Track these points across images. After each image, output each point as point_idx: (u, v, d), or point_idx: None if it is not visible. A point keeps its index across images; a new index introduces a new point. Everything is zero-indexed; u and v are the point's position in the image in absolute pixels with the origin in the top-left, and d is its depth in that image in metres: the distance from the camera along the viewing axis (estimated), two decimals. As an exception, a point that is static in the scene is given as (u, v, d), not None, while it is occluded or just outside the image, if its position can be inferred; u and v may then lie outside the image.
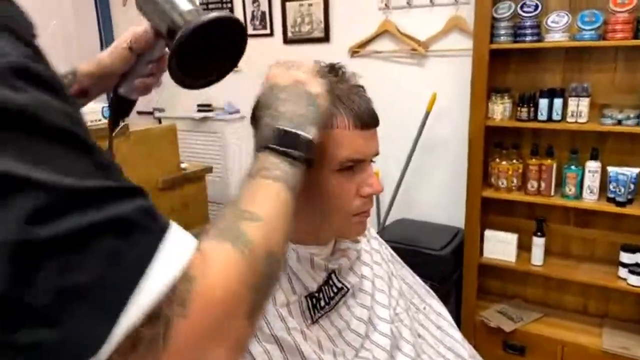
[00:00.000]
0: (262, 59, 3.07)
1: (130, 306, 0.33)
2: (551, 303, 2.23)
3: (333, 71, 0.73)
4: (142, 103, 3.54)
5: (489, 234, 2.15)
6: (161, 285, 0.35)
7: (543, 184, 1.97)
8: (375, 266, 0.89)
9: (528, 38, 1.87)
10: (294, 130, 0.57)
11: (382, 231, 2.37)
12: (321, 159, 0.68)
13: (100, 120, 1.88)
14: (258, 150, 0.57)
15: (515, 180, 2.05)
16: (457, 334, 0.99)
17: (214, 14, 0.59)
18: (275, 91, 0.62)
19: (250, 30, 2.77)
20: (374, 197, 2.49)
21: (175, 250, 0.37)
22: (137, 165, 1.98)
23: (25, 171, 0.32)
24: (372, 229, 0.96)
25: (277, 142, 0.56)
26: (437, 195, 2.44)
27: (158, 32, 0.68)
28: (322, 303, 0.76)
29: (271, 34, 2.70)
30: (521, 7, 1.87)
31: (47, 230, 0.32)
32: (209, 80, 0.66)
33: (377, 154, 0.75)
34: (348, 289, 0.80)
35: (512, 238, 2.12)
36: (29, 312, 0.32)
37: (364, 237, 0.91)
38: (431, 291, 1.03)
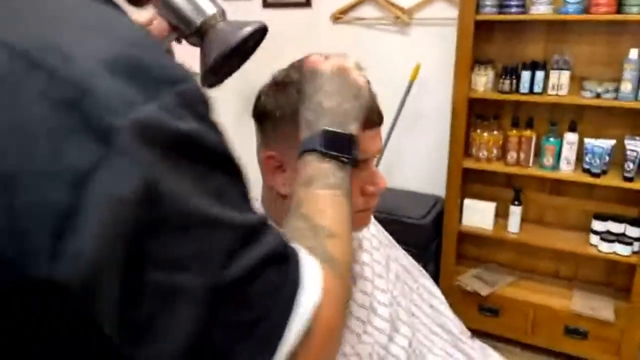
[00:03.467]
0: (242, 25, 2.94)
1: (287, 333, 0.35)
2: (524, 267, 2.33)
3: None
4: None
5: (468, 202, 2.21)
6: (309, 311, 0.37)
7: (522, 155, 2.02)
8: (374, 252, 0.91)
9: (513, 10, 1.86)
10: (342, 132, 0.56)
11: (364, 200, 2.41)
12: None
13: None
14: (304, 151, 0.56)
15: (495, 151, 2.10)
16: (449, 312, 1.04)
17: (249, 29, 0.61)
18: (318, 81, 0.59)
19: (228, -7, 2.67)
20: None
21: (313, 276, 0.39)
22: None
23: (216, 210, 0.33)
24: (370, 215, 0.98)
25: (327, 145, 0.54)
26: (419, 164, 2.47)
27: (175, 28, 0.65)
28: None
29: (250, -2, 2.61)
30: (507, -22, 1.85)
31: (232, 271, 0.33)
32: (222, 78, 0.65)
33: (380, 152, 0.75)
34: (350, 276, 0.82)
35: (490, 207, 2.19)
36: (209, 349, 0.33)
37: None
38: (423, 271, 1.07)
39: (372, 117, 0.69)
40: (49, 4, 0.34)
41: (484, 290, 2.22)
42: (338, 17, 2.42)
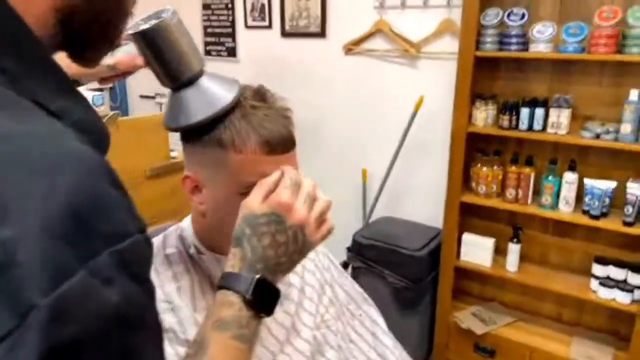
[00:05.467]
0: (259, 50, 3.11)
1: None
2: (527, 309, 2.26)
3: (258, 95, 0.75)
4: (145, 87, 3.59)
5: (466, 237, 2.18)
6: None
7: (521, 192, 1.99)
8: (307, 274, 0.94)
9: (513, 47, 1.87)
10: (274, 287, 0.59)
11: (365, 228, 2.42)
12: (233, 181, 0.71)
13: (91, 107, 1.95)
14: (228, 284, 0.58)
15: (494, 187, 2.07)
16: (389, 341, 1.04)
17: (232, 95, 0.71)
18: (264, 219, 0.61)
19: (249, 22, 2.80)
20: (361, 193, 2.50)
21: None
22: (126, 154, 2.05)
23: None
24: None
25: (255, 297, 0.57)
26: (421, 195, 2.47)
27: (152, 69, 0.71)
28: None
29: (269, 27, 2.73)
30: (508, 16, 1.86)
31: None
32: None
33: None
34: (272, 297, 0.85)
35: (489, 243, 2.15)
36: None
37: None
38: (369, 299, 1.08)
39: (272, 144, 0.71)
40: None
41: (480, 329, 2.17)
42: (350, 48, 2.48)
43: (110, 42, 0.48)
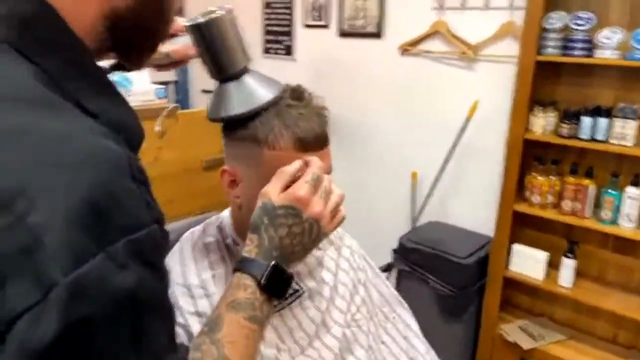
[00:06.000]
0: (316, 50, 3.14)
1: None
2: (579, 327, 2.15)
3: (295, 94, 0.77)
4: (207, 82, 3.71)
5: (518, 247, 2.11)
6: None
7: (578, 205, 1.89)
8: (341, 273, 0.95)
9: (577, 52, 1.78)
10: (287, 272, 0.62)
11: (412, 231, 2.39)
12: (267, 177, 0.74)
13: (152, 100, 2.05)
14: (245, 268, 0.61)
15: (550, 197, 1.99)
16: (421, 346, 1.03)
17: (272, 96, 0.74)
18: (283, 212, 0.63)
19: (308, 21, 2.84)
20: (410, 196, 2.47)
21: None
22: (183, 146, 2.14)
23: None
24: (346, 237, 1.01)
25: (269, 281, 0.60)
26: (472, 201, 2.40)
27: (202, 59, 0.75)
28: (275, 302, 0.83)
29: (327, 26, 2.75)
30: (573, 20, 1.78)
31: None
32: None
33: (327, 170, 0.79)
34: (303, 292, 0.87)
35: (542, 255, 2.06)
36: None
37: (332, 245, 0.97)
38: (404, 302, 1.07)
39: (306, 142, 0.73)
40: (31, 137, 0.36)
41: (527, 344, 2.08)
42: (406, 49, 2.46)
43: (152, 47, 0.52)
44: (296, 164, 0.67)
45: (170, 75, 3.48)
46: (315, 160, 0.68)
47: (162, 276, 0.40)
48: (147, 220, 0.38)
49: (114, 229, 0.35)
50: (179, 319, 0.77)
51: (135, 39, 0.49)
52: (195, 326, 0.76)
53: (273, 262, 0.61)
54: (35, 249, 0.32)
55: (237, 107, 0.74)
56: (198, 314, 0.77)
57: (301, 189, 0.63)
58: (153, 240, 0.38)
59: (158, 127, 1.99)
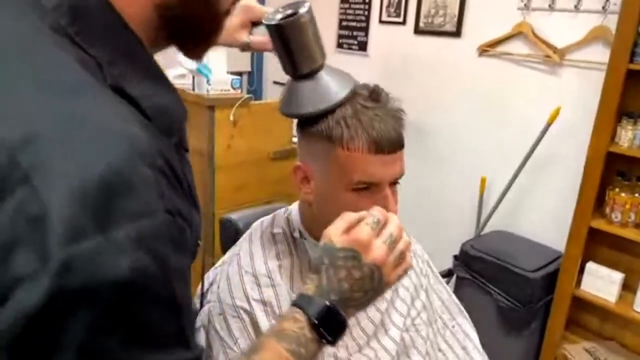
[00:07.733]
0: (390, 46, 3.11)
1: None
2: (654, 357, 2.00)
3: (373, 95, 0.77)
4: (280, 74, 3.78)
5: (591, 266, 1.98)
6: None
7: (665, 227, 1.75)
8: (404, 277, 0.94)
9: (677, 61, 1.64)
10: (342, 317, 0.59)
11: (477, 238, 2.32)
12: (339, 177, 0.74)
13: (228, 90, 2.12)
14: (300, 303, 0.59)
15: (633, 216, 1.85)
16: (479, 358, 1.00)
17: (346, 92, 0.74)
18: (347, 254, 0.60)
19: (384, 17, 2.81)
20: (477, 202, 2.41)
21: None
22: (254, 135, 2.20)
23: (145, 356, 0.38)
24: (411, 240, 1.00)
25: (321, 321, 0.57)
26: (544, 213, 2.29)
27: (279, 55, 0.76)
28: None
29: (403, 23, 2.70)
30: (675, 26, 1.64)
31: None
32: None
33: (397, 177, 0.78)
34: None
35: (616, 276, 1.93)
36: None
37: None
38: (464, 312, 1.05)
39: (380, 144, 0.73)
40: (61, 105, 0.38)
41: (593, 368, 1.97)
42: (485, 49, 2.37)
43: (207, 39, 0.52)
44: (362, 212, 0.64)
45: (244, 65, 3.58)
46: (376, 208, 0.65)
47: (166, 266, 0.38)
48: (155, 209, 0.37)
49: (120, 212, 0.35)
50: (244, 304, 0.79)
51: (187, 30, 0.49)
52: (259, 313, 0.78)
53: (328, 303, 0.59)
54: (41, 220, 0.33)
55: (309, 105, 0.74)
56: (263, 302, 0.79)
57: (362, 231, 0.61)
58: (160, 229, 0.37)
59: (231, 117, 2.06)
